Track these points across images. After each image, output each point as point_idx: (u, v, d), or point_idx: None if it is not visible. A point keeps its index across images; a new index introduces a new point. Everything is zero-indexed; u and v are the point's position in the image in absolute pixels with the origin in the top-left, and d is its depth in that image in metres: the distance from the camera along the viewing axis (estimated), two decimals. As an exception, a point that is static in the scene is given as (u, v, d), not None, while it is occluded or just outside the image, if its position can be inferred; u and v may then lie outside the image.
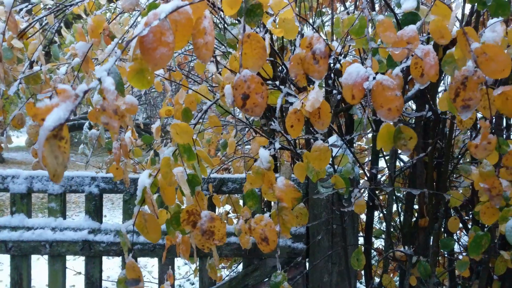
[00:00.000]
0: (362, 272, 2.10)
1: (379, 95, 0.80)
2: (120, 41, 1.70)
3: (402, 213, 2.18)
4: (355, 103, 0.83)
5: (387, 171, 2.01)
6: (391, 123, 0.97)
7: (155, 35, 0.68)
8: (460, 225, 1.88)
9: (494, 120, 1.56)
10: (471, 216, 2.11)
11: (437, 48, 1.37)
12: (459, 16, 1.50)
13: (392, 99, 0.79)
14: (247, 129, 2.76)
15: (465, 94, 0.84)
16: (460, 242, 2.41)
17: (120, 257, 2.18)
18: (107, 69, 0.67)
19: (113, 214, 7.20)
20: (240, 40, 0.83)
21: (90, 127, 2.33)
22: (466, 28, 0.84)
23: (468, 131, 2.10)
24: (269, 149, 1.35)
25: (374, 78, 0.81)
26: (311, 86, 1.00)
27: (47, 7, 2.00)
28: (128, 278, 1.02)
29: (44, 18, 1.84)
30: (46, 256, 2.12)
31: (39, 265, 3.39)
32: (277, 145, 1.18)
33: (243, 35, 0.82)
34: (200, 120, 1.61)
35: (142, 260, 4.76)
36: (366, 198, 1.92)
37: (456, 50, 0.92)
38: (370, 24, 0.93)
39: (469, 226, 2.10)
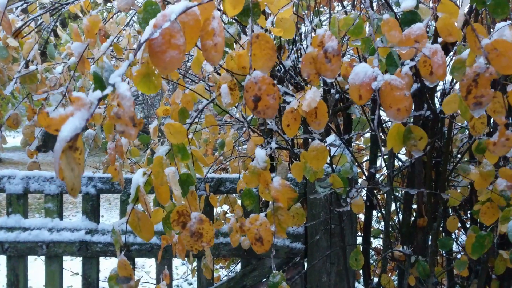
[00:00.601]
0: (361, 272, 2.09)
1: (388, 95, 0.78)
2: (115, 41, 1.69)
3: (400, 212, 2.17)
4: (362, 103, 0.81)
5: (386, 171, 2.00)
6: (402, 124, 0.95)
7: (164, 38, 0.64)
8: (459, 224, 1.88)
9: (492, 120, 1.55)
10: (469, 215, 2.10)
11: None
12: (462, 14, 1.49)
13: (401, 99, 0.78)
14: (244, 128, 2.75)
15: (477, 91, 0.83)
16: (458, 242, 2.40)
17: (117, 257, 2.16)
18: (121, 74, 0.63)
19: (110, 215, 7.18)
20: (249, 41, 0.81)
21: (86, 128, 2.32)
22: (475, 24, 0.83)
23: (466, 130, 2.10)
24: (266, 149, 1.34)
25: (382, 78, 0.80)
26: (308, 85, 0.99)
27: (43, 6, 1.98)
28: (120, 275, 1.01)
29: (40, 17, 1.83)
30: (43, 257, 2.11)
31: (36, 266, 3.37)
32: (274, 145, 1.17)
33: (252, 35, 0.81)
34: (197, 120, 1.60)
35: (140, 261, 4.75)
36: (364, 198, 1.92)
37: (469, 57, 0.90)
38: (368, 24, 0.92)
39: (468, 226, 2.10)
